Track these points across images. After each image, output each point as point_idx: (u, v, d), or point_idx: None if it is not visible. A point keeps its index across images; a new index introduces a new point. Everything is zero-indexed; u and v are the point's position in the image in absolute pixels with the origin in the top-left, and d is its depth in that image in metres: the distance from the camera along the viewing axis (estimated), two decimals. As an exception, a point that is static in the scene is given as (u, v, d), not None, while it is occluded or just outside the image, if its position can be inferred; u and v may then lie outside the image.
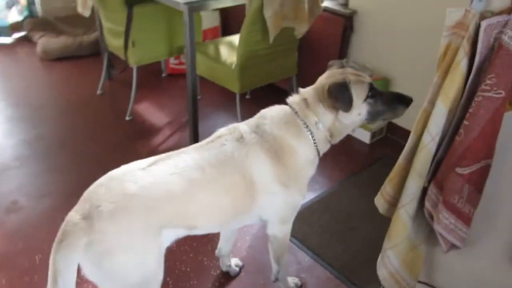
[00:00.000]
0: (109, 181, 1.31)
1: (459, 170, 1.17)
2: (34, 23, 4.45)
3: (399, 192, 1.37)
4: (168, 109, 3.37)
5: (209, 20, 3.75)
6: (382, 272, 1.47)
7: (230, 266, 1.98)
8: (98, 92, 3.60)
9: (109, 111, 3.42)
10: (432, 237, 1.40)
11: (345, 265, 2.05)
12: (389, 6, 2.82)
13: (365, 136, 3.03)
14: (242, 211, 1.50)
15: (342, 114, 1.48)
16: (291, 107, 1.52)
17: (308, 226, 2.27)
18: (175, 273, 2.00)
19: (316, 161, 1.58)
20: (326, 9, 2.96)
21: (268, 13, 2.38)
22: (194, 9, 2.48)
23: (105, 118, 3.30)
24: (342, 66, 1.59)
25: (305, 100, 1.51)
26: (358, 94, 1.46)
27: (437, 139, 1.22)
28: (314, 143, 1.51)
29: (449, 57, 1.17)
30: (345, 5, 2.99)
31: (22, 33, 4.57)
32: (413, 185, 1.30)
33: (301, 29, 2.63)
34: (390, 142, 3.07)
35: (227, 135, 1.48)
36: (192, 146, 1.48)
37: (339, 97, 1.43)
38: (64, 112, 3.35)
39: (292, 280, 1.93)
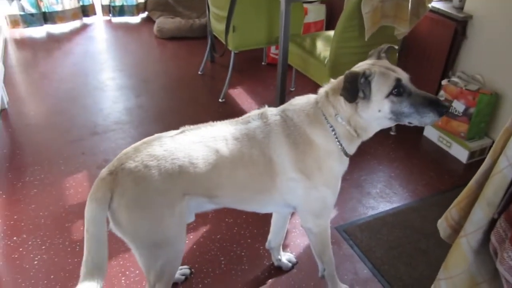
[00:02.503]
0: (139, 144, 1.40)
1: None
2: (156, 3, 4.81)
3: (464, 218, 1.22)
4: (260, 97, 3.42)
5: (315, 13, 3.70)
6: (432, 302, 1.33)
7: (280, 260, 1.96)
8: (199, 72, 3.79)
9: (206, 90, 3.58)
10: (498, 277, 1.23)
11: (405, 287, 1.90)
12: (511, 14, 2.50)
13: (462, 155, 2.76)
14: (261, 191, 1.48)
15: (361, 108, 1.36)
16: (316, 97, 1.47)
17: (375, 238, 2.15)
18: (229, 254, 2.04)
19: (342, 157, 1.48)
20: (437, 11, 2.73)
21: (366, 9, 2.27)
22: (291, -1, 2.46)
23: (200, 97, 3.46)
24: (379, 57, 1.46)
25: (327, 92, 1.45)
26: (379, 88, 1.32)
27: (516, 165, 1.06)
28: (335, 136, 1.43)
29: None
30: (460, 8, 2.72)
31: (145, 14, 4.98)
32: (480, 214, 1.15)
33: (401, 29, 2.45)
34: (490, 165, 2.75)
35: (255, 114, 1.51)
36: (221, 121, 1.52)
37: (345, 86, 1.32)
38: (166, 86, 3.59)
39: (344, 287, 1.85)
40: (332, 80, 1.48)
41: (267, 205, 1.59)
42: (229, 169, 1.41)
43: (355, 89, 1.32)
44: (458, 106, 2.68)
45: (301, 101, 1.52)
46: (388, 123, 1.41)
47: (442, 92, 2.77)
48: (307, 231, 1.63)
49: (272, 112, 1.52)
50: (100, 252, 1.33)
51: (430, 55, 2.89)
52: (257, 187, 1.48)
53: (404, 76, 1.36)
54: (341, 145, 1.46)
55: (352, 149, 1.50)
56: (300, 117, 1.46)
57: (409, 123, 1.38)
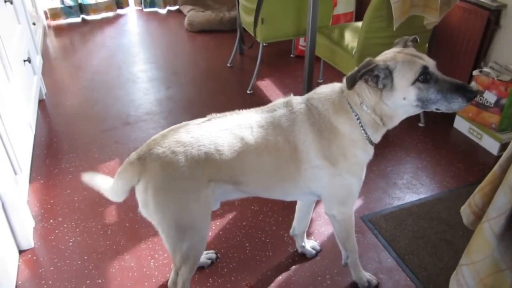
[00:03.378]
0: (167, 131, 1.45)
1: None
2: (187, -3, 4.89)
3: (488, 204, 1.21)
4: (288, 89, 3.44)
5: (344, 5, 3.68)
6: (454, 288, 1.33)
7: (304, 247, 1.99)
8: (228, 64, 3.84)
9: (234, 82, 3.62)
10: (522, 264, 1.22)
11: (429, 277, 1.89)
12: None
13: (493, 147, 2.70)
14: (286, 179, 1.50)
15: (385, 96, 1.36)
16: (341, 86, 1.49)
17: (400, 228, 2.14)
18: (254, 240, 2.08)
19: (367, 145, 1.49)
20: (469, 0, 2.67)
21: (394, -2, 2.25)
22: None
23: (229, 89, 3.52)
24: (406, 45, 1.45)
25: None
26: (404, 76, 1.32)
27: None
28: (360, 125, 1.44)
29: None
30: (494, -3, 2.66)
31: (175, 7, 5.08)
32: (503, 199, 1.14)
33: (431, 19, 2.41)
34: (523, 158, 2.68)
35: (280, 103, 1.54)
36: (247, 110, 1.56)
37: (354, 71, 1.33)
38: (195, 78, 3.66)
39: (367, 275, 1.86)
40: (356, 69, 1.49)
41: (291, 193, 1.61)
42: (254, 156, 1.44)
43: (355, 78, 1.33)
44: (490, 97, 2.62)
45: (326, 90, 1.53)
46: (414, 110, 1.41)
47: (473, 83, 2.71)
48: (331, 218, 1.65)
49: (297, 100, 1.54)
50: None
51: (462, 45, 2.83)
52: (281, 175, 1.50)
53: (430, 63, 1.36)
54: (366, 133, 1.47)
55: (377, 138, 1.51)
56: (325, 106, 1.48)
57: (437, 109, 1.37)
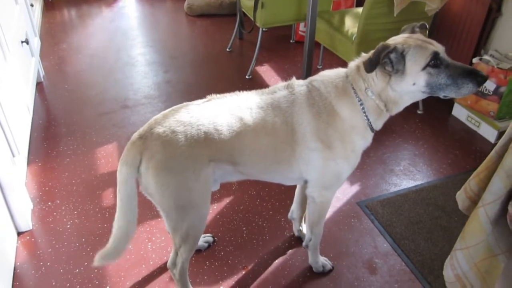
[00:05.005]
0: (168, 111, 1.46)
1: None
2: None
3: (483, 189, 1.22)
4: (287, 74, 3.43)
5: (345, -11, 3.65)
6: (448, 273, 1.34)
7: (301, 231, 2.00)
8: (227, 49, 3.82)
9: (233, 67, 3.61)
10: (516, 249, 1.23)
11: (424, 262, 1.91)
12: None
13: (491, 134, 2.71)
14: (282, 161, 1.51)
15: (394, 81, 1.36)
16: (346, 71, 1.48)
17: (396, 213, 2.16)
18: (251, 224, 2.10)
19: (367, 131, 1.49)
20: (470, -14, 2.65)
21: (395, -16, 2.23)
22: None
23: (227, 73, 3.50)
24: (413, 31, 1.44)
25: (358, 67, 1.45)
26: (415, 61, 1.31)
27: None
28: (363, 111, 1.44)
29: None
30: (496, -17, 2.64)
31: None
32: (499, 184, 1.14)
33: (432, 5, 2.40)
34: (520, 147, 2.69)
35: (281, 85, 1.54)
36: (247, 91, 1.56)
37: (371, 56, 1.32)
38: (194, 62, 3.64)
39: (323, 259, 1.88)
40: (363, 54, 1.47)
41: (286, 175, 1.61)
42: (252, 136, 1.45)
43: (377, 61, 1.32)
44: (489, 84, 2.61)
45: (330, 73, 1.53)
46: (420, 96, 1.42)
47: (473, 71, 2.70)
48: (310, 199, 1.65)
49: (299, 83, 1.55)
50: (130, 211, 1.43)
51: (462, 32, 2.82)
52: (277, 156, 1.51)
53: (440, 48, 1.35)
54: (368, 119, 1.47)
55: (379, 125, 1.51)
56: (328, 88, 1.48)
57: (444, 96, 1.38)
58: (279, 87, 1.55)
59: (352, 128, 1.47)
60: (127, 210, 1.43)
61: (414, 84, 1.35)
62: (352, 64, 1.49)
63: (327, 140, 1.46)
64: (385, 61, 1.33)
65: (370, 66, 1.33)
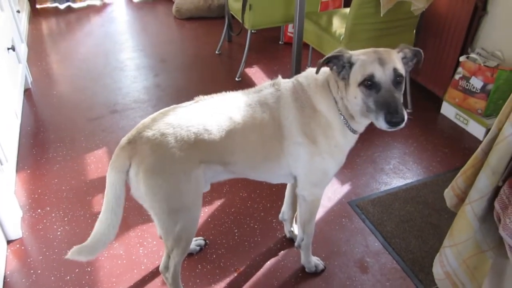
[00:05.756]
0: (156, 114, 1.46)
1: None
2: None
3: (470, 187, 1.23)
4: (276, 76, 3.40)
5: (333, -10, 3.66)
6: (437, 270, 1.36)
7: (292, 232, 2.01)
8: (216, 51, 3.82)
9: (222, 70, 3.61)
10: (503, 246, 1.24)
11: (415, 260, 1.92)
12: (534, -13, 2.43)
13: (479, 132, 2.73)
14: (270, 156, 1.52)
15: (344, 89, 1.42)
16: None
17: (387, 212, 2.17)
18: (243, 226, 2.10)
19: (346, 131, 1.50)
20: (455, -15, 2.67)
21: (381, -16, 2.24)
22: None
23: (217, 76, 3.50)
24: (401, 50, 1.45)
25: None
26: (355, 75, 1.37)
27: (520, 133, 1.07)
28: (339, 110, 1.47)
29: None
30: (480, -18, 2.66)
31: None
32: (485, 181, 1.16)
33: (419, 5, 2.42)
34: (508, 143, 2.72)
35: (267, 84, 1.58)
36: (235, 92, 1.58)
37: (325, 57, 1.38)
38: (183, 66, 3.64)
39: (315, 259, 1.89)
40: None
41: (275, 172, 1.62)
42: (242, 134, 1.46)
43: (323, 62, 1.38)
44: (476, 83, 2.64)
45: (314, 70, 1.54)
46: (366, 114, 1.39)
47: (460, 69, 2.73)
48: (300, 198, 1.66)
49: (285, 80, 1.58)
50: (115, 215, 1.42)
51: (449, 31, 2.84)
52: (266, 152, 1.52)
53: (383, 73, 1.33)
54: (345, 119, 1.48)
55: (358, 128, 1.52)
56: (310, 84, 1.52)
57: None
58: (265, 86, 1.58)
59: (329, 124, 1.49)
60: (112, 213, 1.43)
61: (355, 97, 1.38)
62: None
63: (311, 135, 1.49)
64: (331, 64, 1.39)
65: (318, 65, 1.40)
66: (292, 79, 1.57)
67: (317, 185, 1.61)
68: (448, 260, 1.31)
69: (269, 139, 1.49)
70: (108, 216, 1.43)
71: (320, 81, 1.51)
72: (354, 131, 1.52)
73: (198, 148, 1.40)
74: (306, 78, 1.54)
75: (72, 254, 1.47)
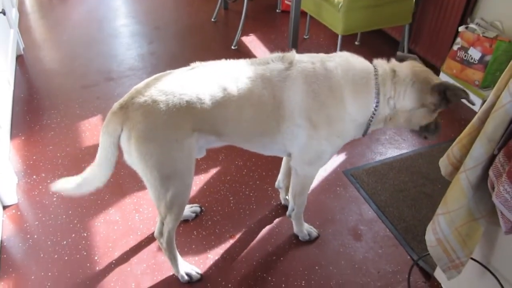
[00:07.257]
0: (150, 80, 1.43)
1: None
2: None
3: (465, 155, 1.23)
4: (273, 45, 3.38)
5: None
6: (429, 237, 1.38)
7: (287, 199, 2.03)
8: (212, 19, 3.75)
9: (218, 38, 3.55)
10: (495, 214, 1.26)
11: (408, 228, 1.95)
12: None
13: (476, 103, 2.72)
14: (265, 133, 1.49)
15: (419, 113, 1.46)
16: (375, 67, 1.45)
17: (381, 182, 2.19)
18: (238, 194, 2.11)
19: (361, 129, 1.51)
20: (457, -48, 2.61)
21: (382, -51, 2.19)
22: None
23: (213, 44, 3.45)
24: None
25: (394, 72, 1.43)
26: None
27: (518, 100, 1.06)
28: (373, 114, 1.45)
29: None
30: (483, -51, 2.60)
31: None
32: (480, 149, 1.16)
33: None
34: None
35: (276, 57, 1.48)
36: (239, 60, 1.51)
37: (451, 99, 1.43)
38: (178, 33, 3.58)
39: (308, 227, 1.91)
40: (393, 60, 1.49)
41: (269, 147, 1.60)
42: (236, 107, 1.42)
43: (449, 99, 1.44)
44: (474, 53, 2.62)
45: (353, 60, 1.47)
46: (413, 129, 1.55)
47: (458, 39, 2.70)
48: (294, 171, 1.66)
49: (300, 58, 1.47)
50: (108, 162, 1.44)
51: (449, 1, 2.80)
52: (261, 129, 1.49)
53: None
54: (370, 123, 1.48)
55: (370, 131, 1.54)
56: (345, 76, 1.42)
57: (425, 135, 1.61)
58: (274, 58, 1.48)
59: (351, 122, 1.47)
60: (105, 161, 1.44)
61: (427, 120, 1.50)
62: (387, 66, 1.46)
63: (314, 120, 1.44)
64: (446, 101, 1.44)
65: (457, 90, 1.42)
66: (314, 60, 1.45)
67: (311, 164, 1.58)
68: (440, 227, 1.33)
69: (266, 117, 1.44)
70: (101, 164, 1.45)
71: (364, 81, 1.42)
72: (363, 134, 1.53)
73: (190, 116, 1.37)
74: (337, 66, 1.43)
75: (55, 185, 1.54)
